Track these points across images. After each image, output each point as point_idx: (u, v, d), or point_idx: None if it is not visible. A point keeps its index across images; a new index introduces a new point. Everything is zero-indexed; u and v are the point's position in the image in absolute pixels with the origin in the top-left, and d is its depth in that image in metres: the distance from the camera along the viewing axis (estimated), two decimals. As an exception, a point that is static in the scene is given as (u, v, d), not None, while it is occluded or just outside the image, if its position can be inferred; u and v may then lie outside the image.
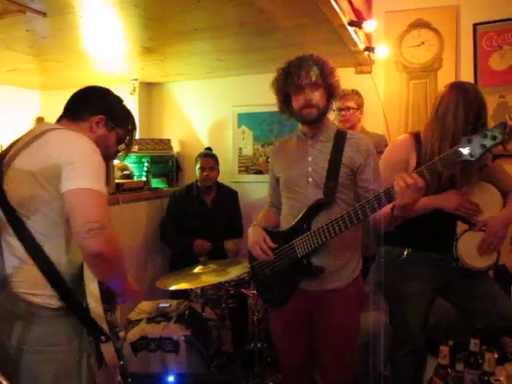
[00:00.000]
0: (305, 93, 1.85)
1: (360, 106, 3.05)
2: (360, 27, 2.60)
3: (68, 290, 1.41)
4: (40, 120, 4.48)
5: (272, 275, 1.98)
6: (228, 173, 3.86)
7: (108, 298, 1.45)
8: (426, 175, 1.62)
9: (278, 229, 2.06)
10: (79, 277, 1.42)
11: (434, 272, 2.17)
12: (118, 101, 1.72)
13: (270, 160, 2.18)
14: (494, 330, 2.05)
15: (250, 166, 3.87)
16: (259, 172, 3.83)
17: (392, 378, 2.34)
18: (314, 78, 1.82)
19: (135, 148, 3.62)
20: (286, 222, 1.99)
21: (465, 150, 1.54)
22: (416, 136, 2.17)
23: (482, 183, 2.11)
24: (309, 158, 1.94)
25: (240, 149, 3.90)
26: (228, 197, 3.59)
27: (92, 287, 1.40)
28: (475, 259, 2.07)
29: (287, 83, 1.88)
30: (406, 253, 2.18)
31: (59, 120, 1.62)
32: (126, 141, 1.73)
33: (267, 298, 2.11)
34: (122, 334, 1.54)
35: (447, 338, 1.98)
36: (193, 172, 3.60)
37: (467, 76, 3.05)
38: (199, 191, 3.49)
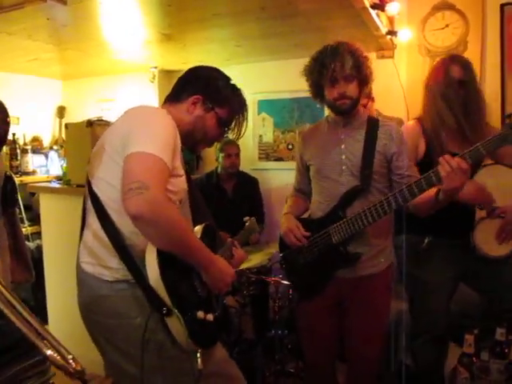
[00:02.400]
0: (339, 85, 1.84)
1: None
2: (383, 10, 2.54)
3: (133, 262, 1.35)
4: (61, 109, 4.55)
5: (305, 264, 1.98)
6: (248, 160, 3.84)
7: (182, 269, 1.37)
8: (468, 159, 1.63)
9: (310, 217, 2.06)
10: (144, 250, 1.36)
11: (456, 259, 2.14)
12: (221, 79, 1.60)
13: (297, 147, 2.17)
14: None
15: (270, 153, 3.84)
16: (280, 159, 3.81)
17: (413, 366, 2.32)
18: (348, 71, 1.82)
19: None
20: (319, 210, 1.99)
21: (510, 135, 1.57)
22: (421, 121, 2.19)
23: (492, 166, 2.07)
24: (342, 145, 1.94)
25: (260, 136, 3.88)
26: (249, 184, 3.58)
27: (149, 256, 1.32)
28: (493, 247, 2.04)
29: (321, 75, 1.86)
30: (426, 241, 2.16)
31: (164, 104, 1.60)
32: (232, 123, 1.62)
33: (301, 286, 2.11)
34: (200, 313, 1.36)
35: (472, 326, 1.95)
36: (212, 160, 3.59)
37: (493, 60, 2.96)
38: (219, 179, 3.49)
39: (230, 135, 1.66)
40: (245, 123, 1.65)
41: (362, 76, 1.86)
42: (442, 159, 1.64)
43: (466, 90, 2.06)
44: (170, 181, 1.37)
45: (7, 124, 1.97)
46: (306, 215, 2.14)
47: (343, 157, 1.92)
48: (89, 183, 1.46)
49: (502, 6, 2.94)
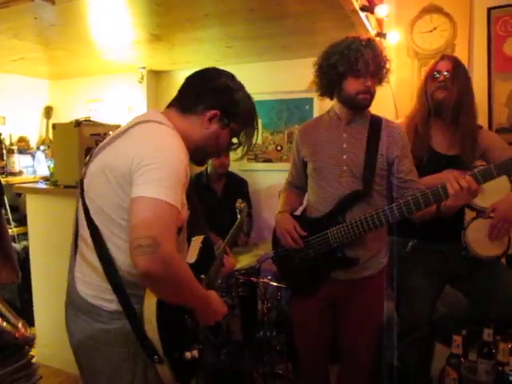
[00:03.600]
0: (364, 79, 1.81)
1: None
2: (372, 12, 2.55)
3: (126, 297, 1.29)
4: (49, 109, 4.51)
5: (301, 263, 1.96)
6: (237, 161, 3.83)
7: (176, 312, 1.33)
8: (479, 179, 1.63)
9: (309, 216, 2.02)
10: (141, 285, 1.29)
11: (441, 263, 2.15)
12: (238, 89, 1.48)
13: (294, 141, 2.11)
14: (508, 320, 2.03)
15: (259, 155, 3.84)
16: (268, 160, 3.80)
17: (400, 367, 2.34)
18: (373, 67, 1.80)
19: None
20: (315, 209, 1.96)
21: None
22: (408, 120, 2.24)
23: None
24: (343, 144, 1.89)
25: (249, 137, 3.86)
26: (238, 185, 3.57)
27: (148, 309, 1.26)
28: (485, 247, 2.05)
29: (347, 65, 1.80)
30: (410, 245, 2.17)
31: (169, 106, 1.48)
32: (241, 137, 1.52)
33: (294, 285, 2.10)
34: (188, 354, 1.34)
35: (460, 327, 1.97)
36: (202, 161, 3.58)
37: (480, 62, 2.99)
38: (209, 179, 3.48)
39: (239, 150, 1.57)
40: (255, 134, 1.56)
41: (381, 76, 1.87)
42: (451, 177, 1.64)
43: (455, 84, 2.07)
44: None
45: None
46: (299, 210, 2.13)
47: (344, 157, 1.88)
48: (85, 206, 1.34)
49: (489, 9, 2.98)
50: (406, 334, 2.20)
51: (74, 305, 1.38)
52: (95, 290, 1.32)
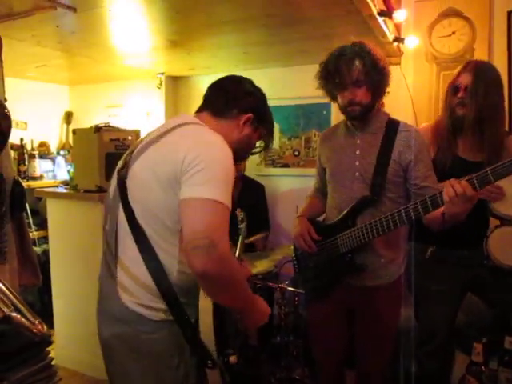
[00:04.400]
0: (348, 91, 1.78)
1: None
2: (390, 17, 2.53)
3: (178, 304, 1.29)
4: (69, 115, 4.58)
5: (314, 267, 1.99)
6: (254, 166, 3.84)
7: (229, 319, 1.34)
8: (475, 185, 1.55)
9: (324, 221, 2.05)
10: (190, 291, 1.31)
11: (462, 270, 2.12)
12: (264, 96, 1.56)
13: (317, 147, 2.15)
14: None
15: (276, 160, 3.84)
16: (286, 165, 3.80)
17: (419, 374, 2.31)
18: (354, 78, 1.75)
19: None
20: (331, 215, 1.98)
21: None
22: (436, 122, 2.18)
23: None
24: (357, 151, 1.89)
25: (266, 142, 3.87)
26: (255, 190, 3.57)
27: (205, 315, 1.28)
28: (508, 257, 2.01)
29: (329, 83, 1.81)
30: (429, 251, 2.14)
31: (199, 111, 1.51)
32: (265, 139, 1.58)
33: (309, 288, 2.12)
34: (232, 358, 1.36)
35: (481, 335, 1.94)
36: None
37: (500, 66, 2.92)
38: (225, 185, 3.49)
39: (261, 151, 1.62)
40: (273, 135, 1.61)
41: (372, 80, 1.77)
42: (447, 182, 1.58)
43: (474, 100, 2.00)
44: None
45: (8, 118, 1.95)
46: (322, 217, 2.14)
47: (357, 163, 1.87)
48: (129, 209, 1.32)
49: (509, 12, 2.94)
50: (426, 341, 2.18)
51: (112, 314, 1.36)
52: (140, 298, 1.31)
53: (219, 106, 1.47)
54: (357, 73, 1.75)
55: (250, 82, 1.55)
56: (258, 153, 1.62)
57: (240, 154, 1.50)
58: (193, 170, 1.21)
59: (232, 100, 1.47)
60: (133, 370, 1.34)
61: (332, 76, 1.79)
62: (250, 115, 1.47)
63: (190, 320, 1.29)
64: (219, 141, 1.31)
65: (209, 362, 1.29)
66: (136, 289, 1.31)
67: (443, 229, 1.78)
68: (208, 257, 1.13)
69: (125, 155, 1.46)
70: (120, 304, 1.33)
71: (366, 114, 1.84)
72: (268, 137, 1.57)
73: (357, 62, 1.75)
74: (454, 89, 2.06)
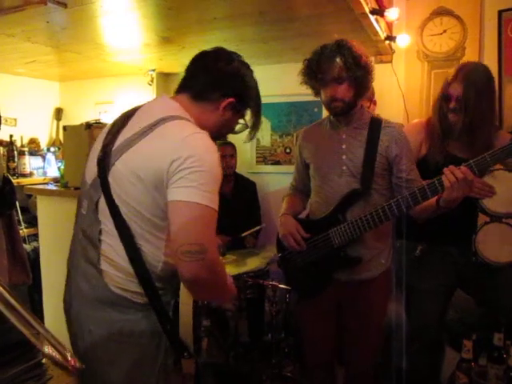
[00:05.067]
0: (329, 88, 1.81)
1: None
2: (382, 15, 2.54)
3: (155, 290, 1.31)
4: (59, 111, 4.55)
5: (304, 265, 1.97)
6: (246, 163, 3.84)
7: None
8: (474, 169, 1.62)
9: (310, 218, 2.04)
10: (173, 279, 1.32)
11: (451, 267, 2.13)
12: (251, 76, 1.47)
13: (297, 144, 2.14)
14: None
15: (267, 157, 3.84)
16: (277, 163, 3.81)
17: (409, 371, 2.32)
18: (335, 74, 1.77)
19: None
20: (318, 211, 1.97)
21: None
22: (429, 120, 2.18)
23: (500, 172, 2.05)
24: (343, 145, 1.91)
25: (258, 139, 3.87)
26: (247, 187, 3.58)
27: (184, 307, 1.34)
28: (496, 253, 2.02)
29: (311, 79, 1.85)
30: (419, 248, 2.15)
31: (178, 91, 1.45)
32: (249, 121, 1.51)
33: (299, 288, 2.11)
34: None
35: (470, 331, 1.95)
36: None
37: (491, 65, 2.92)
38: (217, 182, 3.48)
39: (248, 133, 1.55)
40: (261, 116, 1.53)
41: (354, 76, 1.78)
42: (446, 169, 1.64)
43: (465, 110, 2.00)
44: None
45: None
46: (303, 214, 2.13)
47: (344, 157, 1.90)
48: (111, 200, 1.30)
49: (500, 11, 2.97)
50: (416, 337, 2.19)
51: (95, 296, 1.35)
52: (122, 283, 1.32)
53: (199, 88, 1.40)
54: (337, 69, 1.77)
55: (238, 59, 1.47)
56: (240, 131, 1.55)
57: (219, 134, 1.49)
58: (182, 173, 1.20)
59: (213, 82, 1.40)
60: (115, 354, 1.34)
61: (314, 72, 1.82)
62: (232, 100, 1.40)
63: (163, 306, 1.32)
64: (208, 143, 1.28)
65: (185, 354, 1.32)
66: (117, 274, 1.32)
67: (432, 217, 1.82)
68: (200, 263, 1.15)
69: (103, 139, 1.42)
70: (103, 286, 1.32)
71: (348, 110, 1.86)
72: (254, 119, 1.50)
73: (337, 59, 1.77)
74: (445, 97, 2.07)
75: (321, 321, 2.03)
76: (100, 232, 1.34)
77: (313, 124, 2.16)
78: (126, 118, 1.42)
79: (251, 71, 1.49)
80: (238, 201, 3.47)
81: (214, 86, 1.40)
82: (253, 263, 2.78)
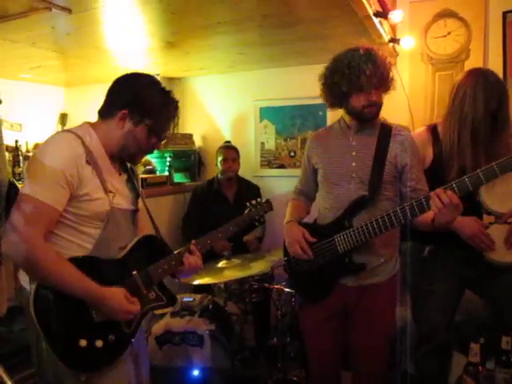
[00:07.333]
0: (368, 93, 1.81)
1: None
2: (386, 18, 2.54)
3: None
4: (64, 116, 4.56)
5: (310, 270, 1.96)
6: (250, 167, 3.84)
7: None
8: (456, 191, 1.62)
9: (317, 223, 2.04)
10: None
11: (459, 268, 2.12)
12: (147, 87, 1.54)
13: (306, 148, 2.13)
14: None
15: (272, 161, 3.84)
16: (282, 166, 3.80)
17: (416, 375, 2.30)
18: (375, 80, 1.79)
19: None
20: (325, 217, 1.97)
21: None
22: (433, 129, 2.15)
23: None
24: (353, 152, 1.91)
25: (262, 143, 3.88)
26: (250, 192, 3.56)
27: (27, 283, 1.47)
28: (501, 254, 2.01)
29: (350, 81, 1.81)
30: (427, 250, 2.14)
31: (98, 118, 1.59)
32: (166, 130, 1.59)
33: (305, 292, 2.09)
34: (83, 342, 1.46)
35: (478, 335, 1.94)
36: (214, 167, 3.60)
37: (495, 67, 2.95)
38: (220, 185, 3.49)
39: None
40: (175, 126, 1.65)
41: (387, 84, 1.86)
42: (432, 194, 1.64)
43: (495, 117, 1.99)
44: (78, 206, 1.44)
45: None
46: (310, 219, 2.12)
47: (354, 164, 1.90)
48: None
49: (504, 13, 2.96)
50: (425, 341, 2.18)
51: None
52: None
53: (104, 109, 1.55)
54: (378, 77, 1.80)
55: (132, 75, 1.57)
56: (152, 150, 1.62)
57: (131, 150, 1.56)
58: (27, 170, 1.45)
59: (112, 100, 1.53)
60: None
61: (356, 76, 1.78)
62: (124, 111, 1.49)
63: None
64: (50, 140, 1.47)
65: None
66: None
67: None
68: (5, 239, 1.33)
69: None
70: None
71: (378, 115, 1.90)
72: (156, 127, 1.54)
73: (382, 65, 1.81)
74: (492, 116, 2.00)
75: (326, 326, 2.00)
76: None
77: (322, 129, 2.15)
78: None
79: (158, 88, 1.56)
80: (241, 204, 3.45)
81: (112, 103, 1.53)
82: (257, 267, 2.77)
